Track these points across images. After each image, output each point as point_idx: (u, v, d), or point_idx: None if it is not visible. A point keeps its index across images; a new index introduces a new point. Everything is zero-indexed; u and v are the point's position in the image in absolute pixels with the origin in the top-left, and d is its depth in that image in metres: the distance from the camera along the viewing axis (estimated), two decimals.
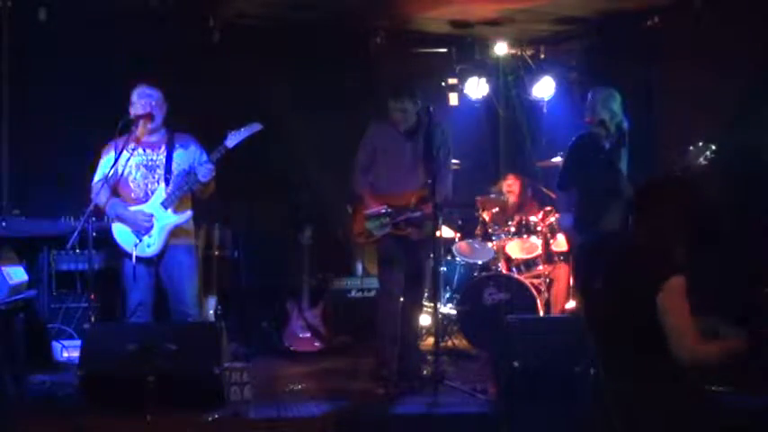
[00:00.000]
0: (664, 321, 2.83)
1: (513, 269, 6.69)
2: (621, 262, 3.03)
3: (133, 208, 4.94)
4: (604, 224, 5.33)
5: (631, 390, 2.92)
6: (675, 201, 3.00)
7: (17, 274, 5.46)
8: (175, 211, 4.97)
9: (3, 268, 5.30)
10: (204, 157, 4.99)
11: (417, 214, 5.07)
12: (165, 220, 4.95)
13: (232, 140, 4.92)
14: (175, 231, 4.98)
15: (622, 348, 2.96)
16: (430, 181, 4.93)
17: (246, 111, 5.03)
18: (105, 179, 4.93)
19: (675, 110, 6.66)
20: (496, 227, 6.83)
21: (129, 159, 4.94)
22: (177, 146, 5.04)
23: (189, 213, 5.05)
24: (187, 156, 5.04)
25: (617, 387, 2.98)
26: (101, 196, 4.94)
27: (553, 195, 6.95)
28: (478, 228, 6.99)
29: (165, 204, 4.94)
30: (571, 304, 6.46)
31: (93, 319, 5.11)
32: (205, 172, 4.90)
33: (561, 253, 6.66)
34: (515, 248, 6.75)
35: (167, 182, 4.97)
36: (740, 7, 6.17)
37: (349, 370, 5.71)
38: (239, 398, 4.60)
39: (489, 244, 6.80)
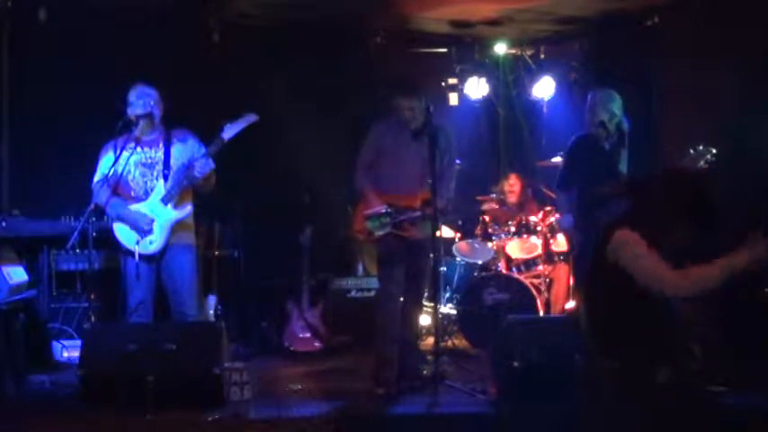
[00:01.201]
0: (632, 273, 2.72)
1: (513, 269, 6.69)
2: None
3: (133, 206, 4.93)
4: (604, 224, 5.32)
5: (610, 371, 2.88)
6: (677, 193, 2.94)
7: (17, 274, 5.47)
8: (175, 207, 4.97)
9: (3, 268, 5.32)
10: (202, 151, 4.98)
11: (417, 214, 5.06)
12: (166, 216, 4.95)
13: (228, 132, 4.91)
14: (176, 227, 4.98)
15: (600, 327, 2.92)
16: (430, 181, 4.91)
17: (246, 111, 5.02)
18: (105, 179, 4.94)
19: (675, 110, 6.67)
20: (496, 227, 6.84)
21: (128, 158, 4.94)
22: (175, 141, 5.04)
23: (189, 208, 5.04)
24: (185, 150, 5.03)
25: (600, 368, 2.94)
26: (101, 196, 4.94)
27: (553, 195, 6.95)
28: (478, 228, 7.00)
29: (164, 200, 4.94)
30: (571, 304, 6.46)
31: (93, 319, 5.12)
32: (202, 165, 4.90)
33: (561, 253, 6.66)
34: (515, 248, 6.76)
35: (166, 178, 4.96)
36: (740, 7, 6.17)
37: (349, 370, 5.71)
38: (239, 398, 4.60)
39: (489, 244, 6.81)
